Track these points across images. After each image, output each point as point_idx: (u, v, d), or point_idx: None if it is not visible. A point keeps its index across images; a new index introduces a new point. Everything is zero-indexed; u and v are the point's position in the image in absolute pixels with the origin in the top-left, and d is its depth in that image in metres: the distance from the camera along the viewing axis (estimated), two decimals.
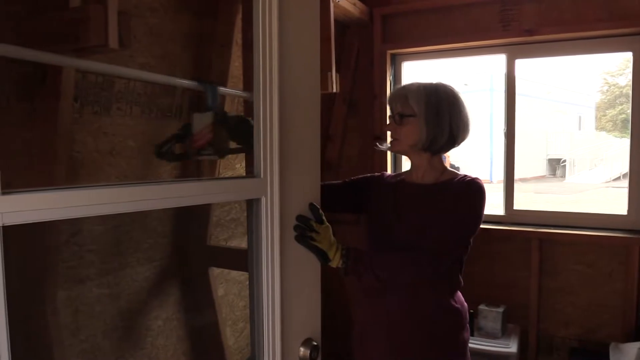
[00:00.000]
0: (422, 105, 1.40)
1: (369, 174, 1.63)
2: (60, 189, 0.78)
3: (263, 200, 1.08)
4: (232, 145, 1.47)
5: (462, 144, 1.49)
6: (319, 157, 1.21)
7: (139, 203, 0.90)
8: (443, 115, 1.40)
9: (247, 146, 1.40)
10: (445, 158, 1.53)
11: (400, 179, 1.55)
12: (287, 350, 1.11)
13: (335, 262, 1.26)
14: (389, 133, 1.50)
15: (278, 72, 1.05)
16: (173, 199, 0.97)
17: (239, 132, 1.45)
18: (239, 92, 1.61)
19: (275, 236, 1.09)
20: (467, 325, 1.49)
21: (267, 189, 1.08)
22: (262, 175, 1.07)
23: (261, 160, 1.06)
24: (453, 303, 1.45)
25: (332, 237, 1.24)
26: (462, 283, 1.48)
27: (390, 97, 1.49)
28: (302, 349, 1.13)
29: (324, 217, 1.21)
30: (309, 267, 1.20)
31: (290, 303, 1.12)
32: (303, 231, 1.15)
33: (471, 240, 1.44)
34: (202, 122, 1.41)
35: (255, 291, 1.11)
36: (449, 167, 1.50)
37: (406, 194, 1.49)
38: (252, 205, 1.11)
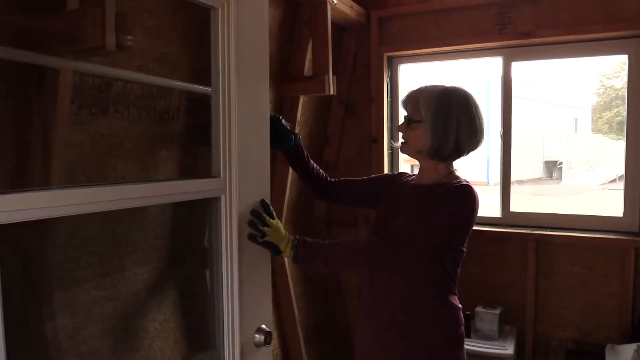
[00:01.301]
0: (431, 112, 1.39)
1: (389, 173, 1.69)
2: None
3: (222, 198, 1.16)
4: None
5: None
6: (268, 158, 1.29)
7: (107, 203, 0.97)
8: (450, 125, 1.38)
9: (280, 144, 1.55)
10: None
11: (409, 179, 1.59)
12: (245, 337, 1.21)
13: (287, 253, 1.31)
14: (400, 134, 1.51)
15: (236, 78, 1.15)
16: (138, 199, 1.05)
17: (279, 131, 1.53)
18: (202, 87, 1.64)
19: (234, 233, 1.17)
20: (457, 332, 1.47)
21: (226, 188, 1.16)
22: (221, 175, 1.13)
23: (220, 160, 1.13)
24: (437, 307, 1.44)
25: (283, 231, 1.30)
26: (453, 288, 1.48)
27: (403, 98, 1.49)
28: (257, 336, 1.24)
29: (274, 213, 1.29)
30: (262, 260, 1.29)
31: (246, 295, 1.21)
32: (256, 226, 1.23)
33: (452, 243, 1.42)
34: None
35: (215, 285, 1.20)
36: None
37: (404, 193, 1.53)
38: (211, 204, 1.18)
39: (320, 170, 1.69)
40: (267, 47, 1.27)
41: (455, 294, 1.49)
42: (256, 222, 1.23)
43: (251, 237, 1.22)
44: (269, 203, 1.28)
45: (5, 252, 0.76)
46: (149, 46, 1.50)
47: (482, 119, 1.44)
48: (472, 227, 1.44)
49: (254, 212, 1.23)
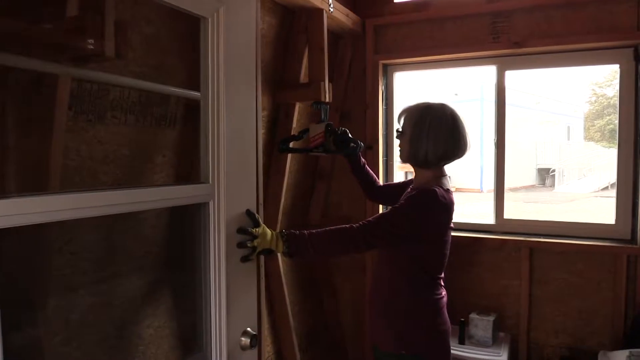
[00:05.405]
0: (410, 126, 1.63)
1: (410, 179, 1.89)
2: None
3: (211, 204, 1.18)
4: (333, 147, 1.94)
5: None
6: (255, 164, 1.31)
7: (96, 209, 0.99)
8: (421, 138, 1.60)
9: (344, 149, 1.91)
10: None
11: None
12: (232, 341, 1.24)
13: (280, 249, 1.38)
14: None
15: (225, 85, 1.17)
16: (128, 204, 1.07)
17: (342, 139, 1.89)
18: (190, 92, 1.68)
19: (222, 238, 1.19)
20: (422, 309, 1.62)
21: (215, 193, 1.18)
22: (210, 181, 1.14)
23: (209, 166, 1.14)
24: (406, 287, 1.62)
25: (269, 232, 1.35)
26: (425, 276, 1.62)
27: (399, 113, 1.72)
28: (243, 339, 1.27)
29: (259, 219, 1.33)
30: (248, 263, 1.31)
31: (232, 298, 1.23)
32: (245, 245, 1.27)
33: (413, 238, 1.56)
34: (316, 129, 1.90)
35: (203, 289, 1.22)
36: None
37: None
38: (200, 209, 1.19)
39: (374, 177, 2.03)
40: (254, 56, 1.30)
41: (433, 283, 1.64)
42: (245, 242, 1.26)
43: (245, 260, 1.26)
44: (254, 211, 1.30)
45: (2, 254, 0.77)
46: (146, 53, 1.51)
47: (458, 132, 1.62)
48: (432, 227, 1.58)
49: (240, 230, 1.25)
